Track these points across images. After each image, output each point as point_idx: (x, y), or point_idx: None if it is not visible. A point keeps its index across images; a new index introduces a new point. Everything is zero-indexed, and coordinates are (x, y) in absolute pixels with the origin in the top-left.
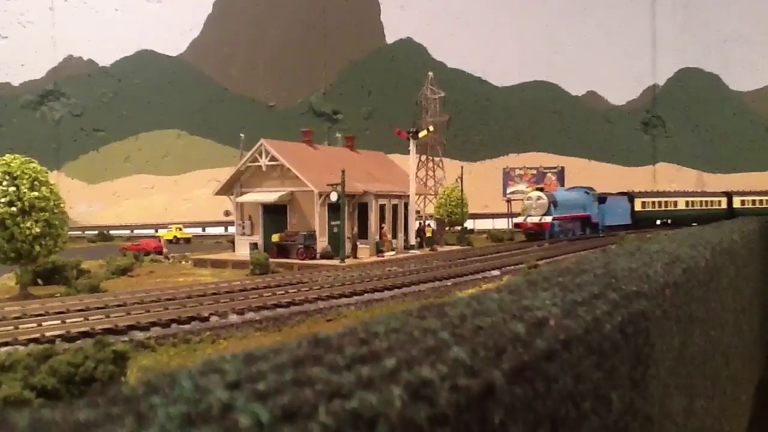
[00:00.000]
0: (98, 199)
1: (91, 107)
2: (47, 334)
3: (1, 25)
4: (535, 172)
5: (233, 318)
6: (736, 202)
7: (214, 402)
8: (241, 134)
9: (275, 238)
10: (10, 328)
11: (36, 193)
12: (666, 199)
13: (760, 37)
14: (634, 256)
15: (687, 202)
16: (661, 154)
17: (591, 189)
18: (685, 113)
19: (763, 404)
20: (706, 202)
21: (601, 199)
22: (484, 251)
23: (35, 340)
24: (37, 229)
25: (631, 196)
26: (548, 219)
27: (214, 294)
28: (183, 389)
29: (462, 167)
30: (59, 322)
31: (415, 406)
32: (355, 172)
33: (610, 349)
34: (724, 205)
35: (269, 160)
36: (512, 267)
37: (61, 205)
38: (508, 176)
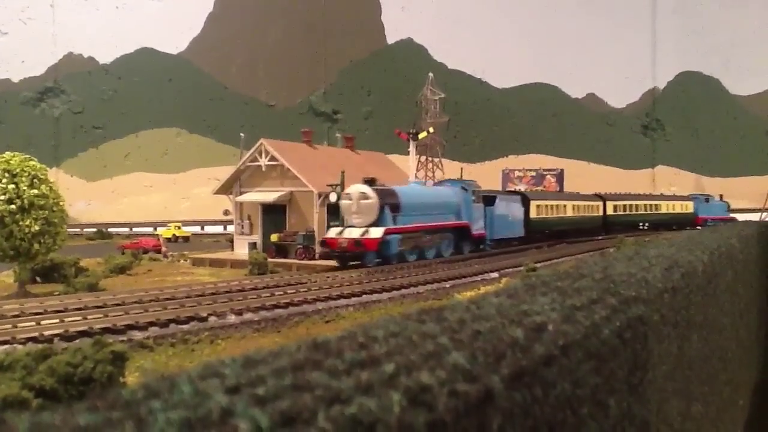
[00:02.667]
0: (97, 197)
1: (91, 105)
2: (46, 333)
3: (2, 21)
4: (534, 173)
5: (232, 318)
6: (609, 208)
7: (214, 407)
8: (242, 134)
9: (274, 237)
10: (9, 326)
11: (35, 191)
12: (557, 202)
13: (760, 41)
14: (633, 260)
15: (574, 208)
16: (661, 158)
17: (472, 184)
18: (685, 117)
19: (760, 408)
20: (586, 207)
21: (488, 199)
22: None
23: (34, 339)
24: (36, 227)
25: (525, 198)
26: (377, 232)
27: (213, 294)
28: (182, 393)
29: (461, 168)
30: (58, 321)
31: (414, 412)
32: (354, 173)
33: (608, 354)
34: (600, 212)
35: (269, 160)
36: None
37: (61, 203)
38: (507, 178)
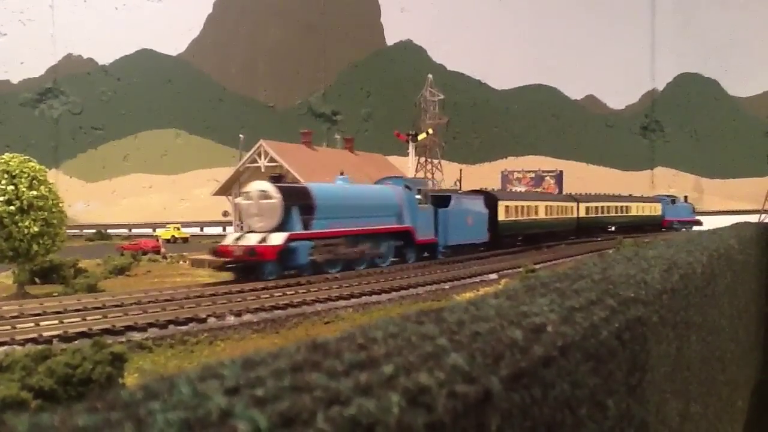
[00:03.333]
0: (96, 198)
1: (90, 106)
2: (45, 334)
3: (1, 22)
4: (533, 175)
5: (231, 320)
6: (582, 210)
7: (213, 408)
8: (241, 135)
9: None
10: (8, 327)
11: (35, 192)
12: (529, 203)
13: (759, 42)
14: (632, 261)
15: (546, 209)
16: (660, 159)
17: (419, 182)
18: (684, 118)
19: (758, 408)
20: (560, 208)
21: (442, 200)
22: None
23: (33, 340)
24: (36, 228)
25: (491, 198)
26: (278, 239)
27: (212, 295)
28: (182, 395)
29: (461, 170)
30: (57, 322)
31: (413, 413)
32: (353, 174)
33: (607, 355)
34: (574, 214)
35: (268, 161)
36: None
37: (60, 204)
38: (506, 179)
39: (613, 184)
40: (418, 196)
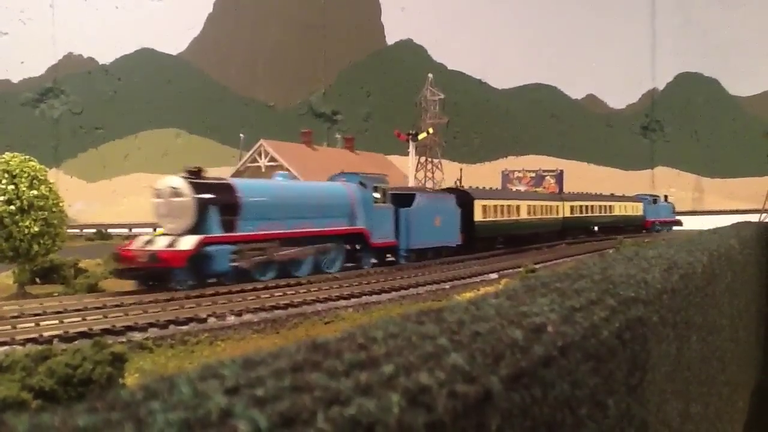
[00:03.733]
0: (97, 198)
1: (91, 105)
2: (45, 334)
3: (1, 21)
4: (533, 174)
5: (231, 319)
6: (567, 209)
7: (213, 408)
8: (241, 134)
9: None
10: (8, 327)
11: (35, 192)
12: (510, 202)
13: (760, 42)
14: (632, 261)
15: (529, 209)
16: (660, 159)
17: (376, 179)
18: (685, 117)
19: (759, 409)
20: (545, 208)
21: (405, 199)
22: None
23: (33, 340)
24: (36, 228)
25: (466, 196)
26: (188, 242)
27: (212, 295)
28: (182, 394)
29: (461, 169)
30: (57, 322)
31: (413, 413)
32: None
33: (607, 355)
34: (560, 214)
35: (268, 161)
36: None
37: (60, 204)
38: (506, 179)
39: (614, 183)
40: (376, 195)
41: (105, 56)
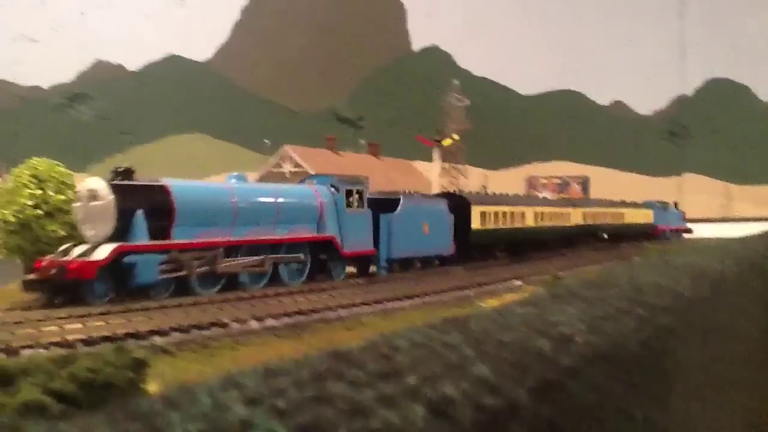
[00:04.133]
0: None
1: (118, 110)
2: (68, 337)
3: (33, 29)
4: (559, 181)
5: (253, 324)
6: (579, 217)
7: (232, 419)
8: (266, 140)
9: None
10: (32, 331)
11: (62, 197)
12: (513, 208)
13: None
14: (660, 269)
15: (536, 216)
16: (688, 165)
17: (353, 180)
18: (713, 124)
19: None
20: (553, 215)
21: (385, 203)
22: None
23: (57, 344)
24: (62, 232)
25: (462, 201)
26: (104, 251)
27: (236, 300)
28: (202, 405)
29: (486, 175)
30: (81, 325)
31: (438, 425)
32: (377, 180)
33: (635, 365)
34: (572, 221)
35: (293, 166)
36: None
37: None
38: (531, 185)
39: (640, 190)
40: (348, 199)
41: (133, 63)
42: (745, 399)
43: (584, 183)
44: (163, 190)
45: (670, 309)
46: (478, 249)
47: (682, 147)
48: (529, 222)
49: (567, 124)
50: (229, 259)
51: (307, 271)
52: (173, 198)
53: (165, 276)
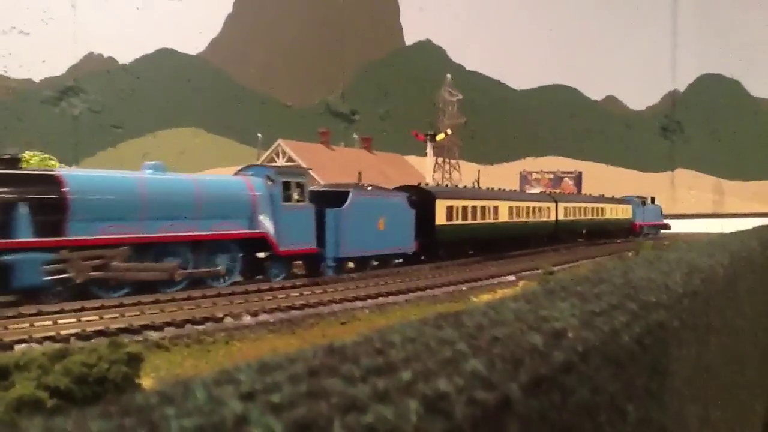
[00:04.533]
0: None
1: (110, 104)
2: (62, 332)
3: (24, 21)
4: (552, 176)
5: (247, 319)
6: (561, 212)
7: (228, 414)
8: (259, 134)
9: None
10: (26, 325)
11: None
12: (484, 203)
13: None
14: (653, 264)
15: (511, 210)
16: (680, 161)
17: (291, 172)
18: (705, 119)
19: None
20: (531, 210)
21: (332, 197)
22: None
23: (51, 338)
24: None
25: (426, 195)
26: None
27: (229, 294)
28: (197, 400)
29: (479, 170)
30: (75, 320)
31: (432, 420)
32: (371, 174)
33: (627, 360)
34: (552, 216)
35: (286, 161)
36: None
37: None
38: (525, 180)
39: (633, 185)
40: (286, 192)
41: (125, 56)
42: (742, 395)
43: (577, 178)
44: (54, 181)
45: (661, 304)
46: (445, 247)
47: (674, 142)
48: (503, 217)
49: (560, 119)
50: (131, 264)
51: (237, 271)
52: (66, 189)
53: (53, 277)
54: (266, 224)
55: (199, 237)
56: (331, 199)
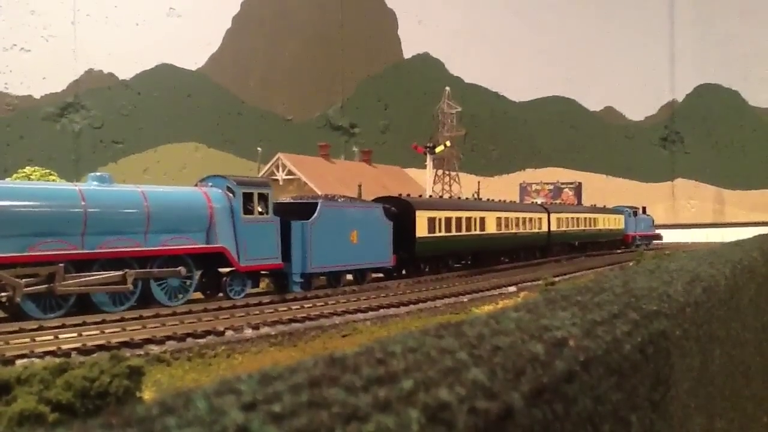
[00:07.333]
0: None
1: (111, 120)
2: (64, 347)
3: (24, 38)
4: (551, 187)
5: (248, 333)
6: (554, 223)
7: (229, 424)
8: (259, 148)
9: None
10: (27, 340)
11: None
12: (469, 213)
13: None
14: (654, 274)
15: (499, 222)
16: (680, 170)
17: (259, 183)
18: (705, 129)
19: None
20: (520, 221)
21: (299, 209)
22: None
23: (52, 353)
24: None
25: (405, 206)
26: None
27: (230, 308)
28: (198, 410)
29: (479, 182)
30: (76, 334)
31: (433, 430)
32: (371, 187)
33: (629, 369)
34: (545, 227)
35: (286, 174)
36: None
37: None
38: (525, 191)
39: (633, 196)
40: (248, 205)
41: (125, 72)
42: (749, 407)
43: (577, 189)
44: None
45: (662, 313)
46: (427, 261)
47: (673, 152)
48: (491, 228)
49: (560, 130)
50: (76, 275)
51: (192, 288)
52: None
53: None
54: (225, 238)
55: (147, 252)
56: (299, 211)
